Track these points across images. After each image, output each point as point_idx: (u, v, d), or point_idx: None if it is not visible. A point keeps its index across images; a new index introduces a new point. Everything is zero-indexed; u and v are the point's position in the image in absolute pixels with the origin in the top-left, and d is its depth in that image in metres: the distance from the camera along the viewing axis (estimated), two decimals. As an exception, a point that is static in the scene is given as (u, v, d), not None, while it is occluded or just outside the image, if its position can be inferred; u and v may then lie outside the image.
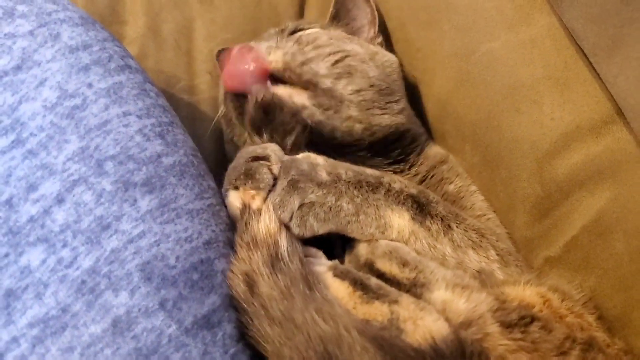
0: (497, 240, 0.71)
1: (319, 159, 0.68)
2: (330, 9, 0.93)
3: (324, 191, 0.65)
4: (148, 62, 0.97)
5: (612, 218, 0.63)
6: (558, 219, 0.69)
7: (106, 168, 0.58)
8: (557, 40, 0.67)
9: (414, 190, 0.70)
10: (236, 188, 0.67)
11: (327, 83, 0.74)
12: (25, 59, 0.60)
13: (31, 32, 0.62)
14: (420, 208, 0.68)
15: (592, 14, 0.60)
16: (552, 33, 0.68)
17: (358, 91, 0.75)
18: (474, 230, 0.69)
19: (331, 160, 0.69)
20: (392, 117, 0.79)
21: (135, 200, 0.58)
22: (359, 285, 0.59)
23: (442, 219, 0.69)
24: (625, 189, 0.62)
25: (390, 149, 0.81)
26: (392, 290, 0.59)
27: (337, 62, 0.76)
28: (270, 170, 0.65)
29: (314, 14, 1.09)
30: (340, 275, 0.60)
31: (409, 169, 0.82)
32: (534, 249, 0.72)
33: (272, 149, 0.68)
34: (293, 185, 0.64)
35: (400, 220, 0.67)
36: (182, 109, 0.95)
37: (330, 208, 0.64)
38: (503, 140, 0.73)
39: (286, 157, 0.68)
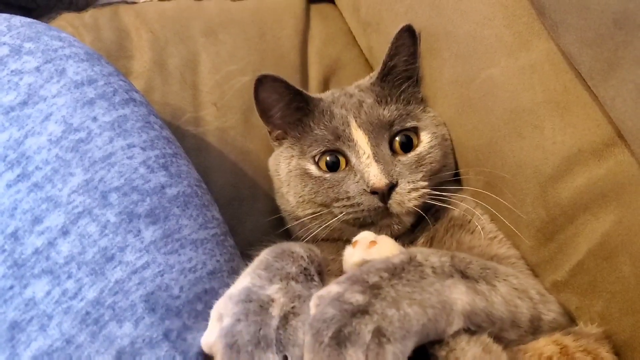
0: (527, 277, 0.70)
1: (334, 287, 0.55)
2: (386, 61, 0.85)
3: (373, 309, 0.52)
4: (154, 95, 0.99)
5: (617, 241, 0.62)
6: (563, 243, 0.68)
7: (110, 200, 0.59)
8: (556, 65, 0.68)
9: (446, 259, 0.61)
10: None
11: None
12: (31, 95, 0.62)
13: (37, 68, 0.64)
14: (462, 274, 0.60)
15: (587, 38, 0.60)
16: (550, 58, 0.68)
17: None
18: (510, 276, 0.65)
19: (348, 279, 0.56)
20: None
21: (139, 231, 0.58)
22: None
23: (484, 279, 0.61)
24: (629, 212, 0.61)
25: None
26: None
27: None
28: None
29: (317, 45, 1.11)
30: None
31: None
32: (540, 273, 0.72)
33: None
34: (337, 336, 0.49)
35: (459, 295, 0.57)
36: (188, 141, 0.97)
37: (398, 319, 0.52)
38: (506, 166, 0.73)
39: (310, 312, 0.54)
